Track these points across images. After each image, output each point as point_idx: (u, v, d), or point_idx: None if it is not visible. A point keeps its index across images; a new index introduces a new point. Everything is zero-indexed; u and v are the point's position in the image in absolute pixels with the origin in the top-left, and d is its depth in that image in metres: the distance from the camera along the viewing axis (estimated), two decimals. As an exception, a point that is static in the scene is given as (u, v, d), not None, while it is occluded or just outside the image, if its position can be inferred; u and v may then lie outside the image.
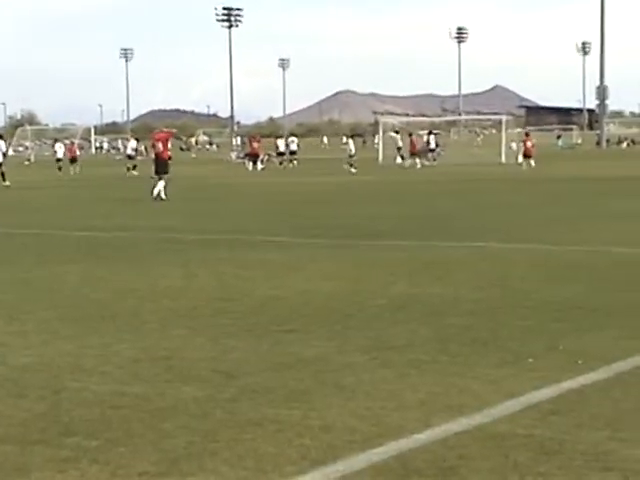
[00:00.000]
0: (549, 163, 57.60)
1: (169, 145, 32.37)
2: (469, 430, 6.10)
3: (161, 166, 30.78)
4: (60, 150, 65.19)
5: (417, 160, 58.10)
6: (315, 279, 12.82)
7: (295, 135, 70.72)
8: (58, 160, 63.28)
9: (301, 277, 13.03)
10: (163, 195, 29.89)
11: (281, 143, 65.25)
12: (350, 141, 56.93)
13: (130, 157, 57.94)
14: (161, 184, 30.02)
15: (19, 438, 6.15)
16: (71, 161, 61.52)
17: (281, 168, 58.68)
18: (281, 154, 63.87)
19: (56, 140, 73.74)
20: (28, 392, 7.28)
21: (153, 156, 32.78)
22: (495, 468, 5.44)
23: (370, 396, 6.96)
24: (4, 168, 44.07)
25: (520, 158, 60.66)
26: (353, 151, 54.73)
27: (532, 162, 52.56)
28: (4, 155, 45.20)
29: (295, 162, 61.95)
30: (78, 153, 47.79)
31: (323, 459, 5.62)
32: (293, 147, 64.41)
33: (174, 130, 41.58)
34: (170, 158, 31.83)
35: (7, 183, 43.21)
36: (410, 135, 60.81)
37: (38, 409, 6.81)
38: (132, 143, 61.03)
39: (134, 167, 54.73)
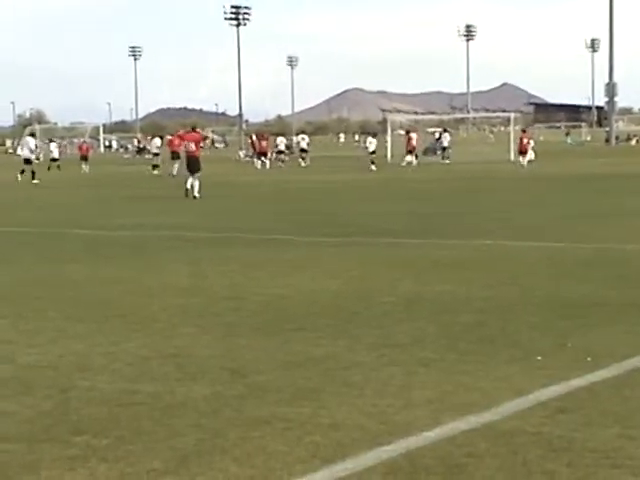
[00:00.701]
0: (558, 160, 57.56)
1: (201, 144, 33.61)
2: (478, 428, 6.10)
3: (193, 164, 31.51)
4: (55, 150, 63.87)
5: (412, 158, 57.85)
6: (323, 277, 12.81)
7: (305, 133, 70.45)
8: (53, 160, 61.80)
9: (309, 275, 13.02)
10: (197, 194, 30.37)
11: (281, 141, 65.05)
12: (369, 139, 56.88)
13: (156, 155, 57.25)
14: (196, 183, 30.66)
15: (27, 436, 6.16)
16: (82, 159, 61.05)
17: (279, 166, 58.16)
18: (280, 152, 63.76)
19: (51, 140, 72.85)
20: (36, 390, 7.29)
21: (170, 154, 32.79)
22: (504, 466, 5.43)
23: (379, 394, 6.96)
24: (24, 166, 44.76)
25: (529, 156, 60.63)
26: (373, 148, 54.76)
27: (522, 159, 52.56)
28: (31, 152, 46.01)
29: (304, 160, 61.74)
30: (32, 155, 46.81)
31: (332, 457, 5.62)
32: (303, 145, 64.21)
33: (209, 135, 41.99)
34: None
35: (19, 178, 43.74)
36: (407, 133, 60.53)
37: (46, 407, 6.82)
38: (157, 141, 59.92)
39: (155, 166, 54.40)
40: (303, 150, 63.36)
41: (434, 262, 14.14)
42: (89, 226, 21.43)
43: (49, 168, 58.94)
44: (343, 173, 47.70)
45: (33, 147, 47.19)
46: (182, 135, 35.73)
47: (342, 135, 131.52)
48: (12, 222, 23.43)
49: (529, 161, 55.55)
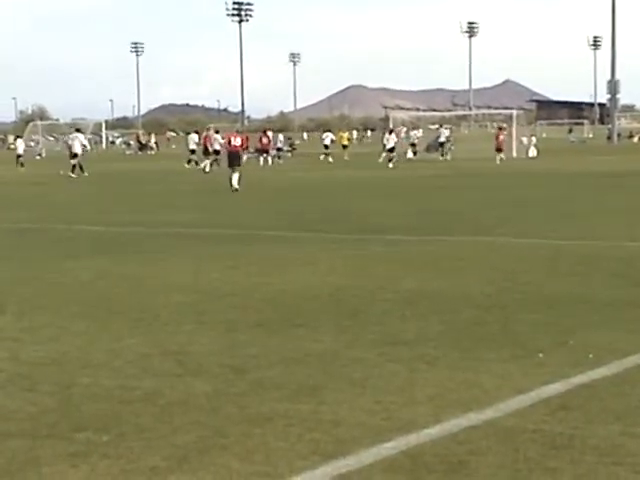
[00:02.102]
0: (560, 157, 57.51)
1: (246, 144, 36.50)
2: (479, 425, 6.10)
3: (234, 159, 33.10)
4: (21, 147, 63.03)
5: (384, 154, 57.38)
6: (324, 274, 12.82)
7: (330, 131, 70.38)
8: (18, 157, 61.07)
9: (310, 272, 13.03)
10: (237, 186, 31.85)
11: (277, 139, 64.78)
12: (387, 135, 56.46)
13: (193, 152, 56.52)
14: (236, 175, 32.19)
15: (30, 433, 6.17)
16: (72, 157, 59.75)
17: (270, 165, 57.57)
18: (279, 149, 63.81)
19: (17, 137, 72.04)
20: (39, 387, 7.31)
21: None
22: (505, 463, 5.44)
23: (380, 391, 6.97)
24: (81, 160, 46.69)
25: (531, 152, 60.63)
26: (391, 145, 54.36)
27: (502, 156, 52.65)
28: (84, 147, 47.45)
29: (329, 156, 61.46)
30: (80, 150, 47.03)
31: (333, 454, 5.63)
32: (327, 142, 64.46)
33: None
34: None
35: (86, 174, 45.51)
36: (391, 132, 60.00)
37: (49, 404, 6.83)
38: (194, 137, 58.65)
39: (190, 161, 54.16)
40: (326, 147, 63.52)
41: (435, 259, 14.15)
42: (92, 223, 21.43)
43: (16, 164, 58.54)
44: (346, 169, 47.60)
45: (84, 142, 48.69)
46: (232, 135, 36.27)
47: (355, 132, 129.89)
48: (22, 219, 23.39)
49: (531, 158, 55.62)
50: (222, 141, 46.57)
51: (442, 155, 60.68)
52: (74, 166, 46.36)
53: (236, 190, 31.43)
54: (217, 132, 52.61)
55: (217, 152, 49.44)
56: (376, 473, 5.35)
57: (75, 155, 47.11)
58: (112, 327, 9.53)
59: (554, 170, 43.01)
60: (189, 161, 54.85)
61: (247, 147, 53.79)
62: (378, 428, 6.09)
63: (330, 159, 60.38)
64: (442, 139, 63.05)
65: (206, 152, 50.32)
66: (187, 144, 59.22)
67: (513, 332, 8.89)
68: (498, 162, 51.39)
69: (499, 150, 53.40)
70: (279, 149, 64.78)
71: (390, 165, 50.71)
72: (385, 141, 55.58)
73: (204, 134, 54.98)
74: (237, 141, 33.94)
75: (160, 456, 5.66)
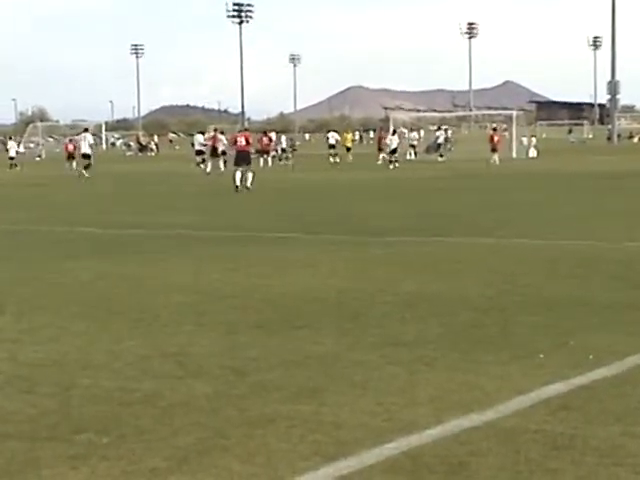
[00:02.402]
0: (560, 158, 57.51)
1: (250, 141, 35.25)
2: (479, 426, 6.10)
3: (243, 158, 33.35)
4: (12, 149, 62.79)
5: (381, 156, 57.35)
6: (325, 276, 12.81)
7: (335, 131, 70.21)
8: (11, 159, 60.67)
9: (311, 274, 13.02)
10: (249, 184, 32.29)
11: (267, 139, 64.68)
12: (390, 136, 56.36)
13: (199, 152, 56.29)
14: (250, 175, 32.65)
15: (29, 434, 6.16)
16: (68, 158, 59.39)
17: (270, 166, 57.27)
18: (283, 150, 63.81)
19: (10, 137, 72.33)
20: (38, 388, 7.30)
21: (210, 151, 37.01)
22: (506, 464, 5.43)
23: (381, 392, 6.96)
24: (84, 161, 48.08)
25: (531, 153, 60.69)
26: (394, 146, 54.24)
27: (496, 157, 52.71)
28: (90, 147, 49.18)
29: (337, 157, 61.38)
30: (90, 150, 47.47)
31: (334, 455, 5.62)
32: (332, 142, 64.30)
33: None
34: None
35: (87, 175, 46.07)
36: (385, 135, 59.86)
37: (48, 405, 6.83)
38: (199, 138, 58.04)
39: (203, 161, 54.02)
40: (332, 147, 63.40)
41: (435, 261, 14.14)
42: (92, 223, 21.43)
43: (10, 167, 58.40)
44: (345, 172, 47.59)
45: (92, 142, 50.12)
46: (237, 135, 36.38)
47: (357, 133, 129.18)
48: (22, 219, 23.38)
49: (531, 158, 55.62)
50: (226, 142, 46.79)
51: (440, 156, 60.77)
52: (87, 165, 47.29)
53: (247, 189, 31.61)
54: (222, 133, 52.46)
55: (224, 153, 49.41)
56: (377, 474, 5.35)
57: (86, 156, 48.11)
58: (112, 328, 9.53)
59: (554, 171, 43.01)
60: (203, 160, 54.62)
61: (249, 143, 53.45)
62: (379, 429, 6.09)
63: (331, 159, 60.34)
64: (440, 140, 63.14)
65: (214, 153, 50.21)
66: (193, 145, 59.22)
67: (512, 334, 8.89)
68: (497, 163, 51.44)
69: (494, 150, 53.53)
70: (283, 150, 64.78)
71: (391, 167, 50.69)
72: (388, 141, 55.52)
73: (212, 134, 54.76)
74: (242, 140, 33.90)
75: (160, 457, 5.66)
